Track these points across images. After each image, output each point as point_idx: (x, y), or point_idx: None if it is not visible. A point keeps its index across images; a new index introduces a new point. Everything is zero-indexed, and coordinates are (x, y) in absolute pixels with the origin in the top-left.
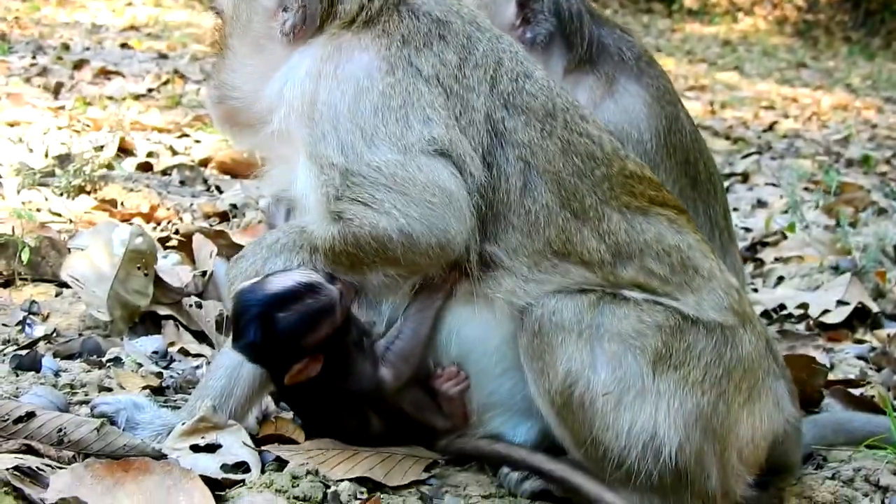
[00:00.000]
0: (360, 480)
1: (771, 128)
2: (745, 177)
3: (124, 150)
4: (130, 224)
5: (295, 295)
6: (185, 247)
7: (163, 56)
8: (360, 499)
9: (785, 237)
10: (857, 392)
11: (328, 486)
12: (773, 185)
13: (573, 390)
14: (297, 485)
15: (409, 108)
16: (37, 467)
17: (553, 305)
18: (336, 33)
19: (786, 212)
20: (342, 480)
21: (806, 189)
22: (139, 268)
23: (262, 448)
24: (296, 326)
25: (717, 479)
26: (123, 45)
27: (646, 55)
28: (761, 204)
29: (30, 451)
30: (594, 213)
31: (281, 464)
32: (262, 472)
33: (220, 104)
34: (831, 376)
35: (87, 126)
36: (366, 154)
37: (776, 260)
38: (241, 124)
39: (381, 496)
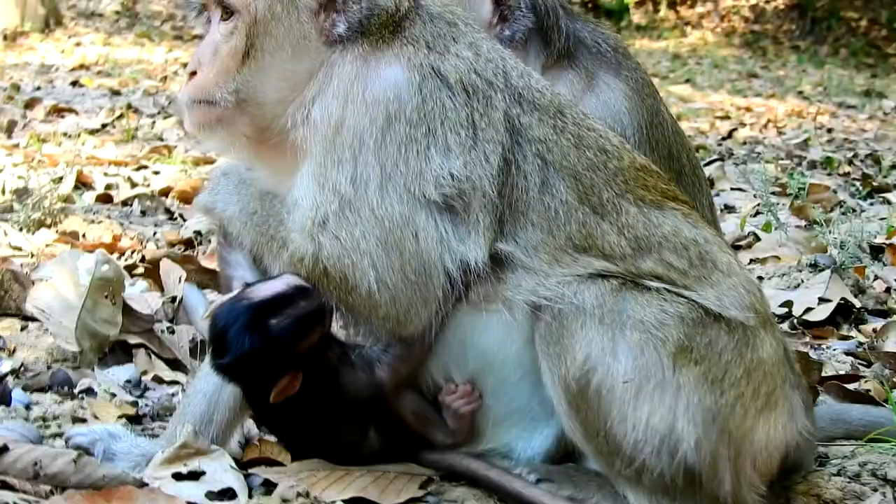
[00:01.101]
0: (353, 501)
1: (730, 135)
2: (710, 183)
3: (83, 184)
4: None
5: (287, 299)
6: (153, 273)
7: (115, 93)
8: None
9: (758, 239)
10: (851, 387)
11: None
12: (740, 189)
13: (591, 377)
14: None
15: (431, 139)
16: (14, 503)
17: (574, 288)
18: (364, 45)
19: (755, 215)
20: (335, 502)
21: (773, 193)
22: (106, 296)
23: (249, 472)
24: (290, 332)
25: (729, 486)
26: (74, 84)
27: (621, 48)
28: (729, 209)
29: (4, 486)
30: (612, 207)
31: (269, 487)
32: (250, 497)
33: (235, 109)
34: (822, 373)
35: (43, 162)
36: (374, 196)
37: (752, 261)
38: (236, 132)
39: None
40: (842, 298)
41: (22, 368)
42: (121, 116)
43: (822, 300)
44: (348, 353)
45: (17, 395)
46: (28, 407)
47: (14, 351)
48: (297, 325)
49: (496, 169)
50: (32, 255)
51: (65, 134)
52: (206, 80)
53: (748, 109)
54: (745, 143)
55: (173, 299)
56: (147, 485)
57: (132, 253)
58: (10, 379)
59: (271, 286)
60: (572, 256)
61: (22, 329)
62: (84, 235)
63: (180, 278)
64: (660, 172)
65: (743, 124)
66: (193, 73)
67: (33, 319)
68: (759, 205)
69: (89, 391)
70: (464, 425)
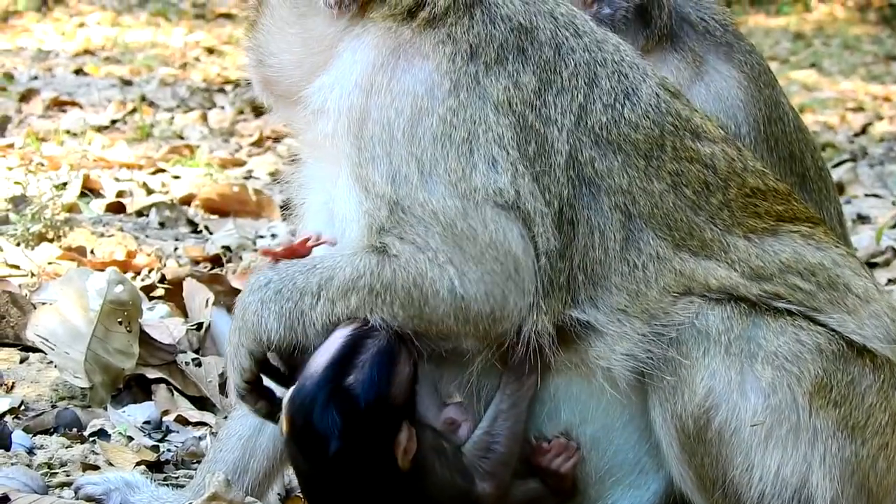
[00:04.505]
0: None
1: (864, 131)
2: (839, 188)
3: (90, 190)
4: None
5: (352, 348)
6: (174, 296)
7: (126, 82)
8: None
9: None
10: None
11: None
12: (875, 195)
13: (712, 416)
14: None
15: (473, 143)
16: None
17: (696, 310)
18: (394, 29)
19: (894, 226)
20: None
21: None
22: (121, 322)
23: None
24: (375, 380)
25: None
26: (78, 72)
27: (732, 25)
28: (862, 219)
29: None
30: (718, 246)
31: None
32: None
33: (258, 68)
34: None
35: (42, 165)
36: (420, 191)
37: (890, 282)
38: (276, 94)
39: None
40: None
41: (22, 407)
42: (133, 111)
43: None
44: (444, 444)
45: (18, 437)
46: (31, 451)
47: (13, 387)
48: (378, 370)
49: (553, 225)
50: (33, 275)
51: (67, 132)
52: (249, 38)
53: (886, 99)
54: (882, 139)
55: (199, 326)
56: None
57: (150, 272)
58: (8, 420)
59: (326, 347)
60: (671, 302)
61: (22, 361)
62: (92, 251)
63: (207, 301)
64: (776, 190)
65: (880, 117)
66: None
67: (35, 350)
68: None
69: (101, 433)
70: (566, 483)
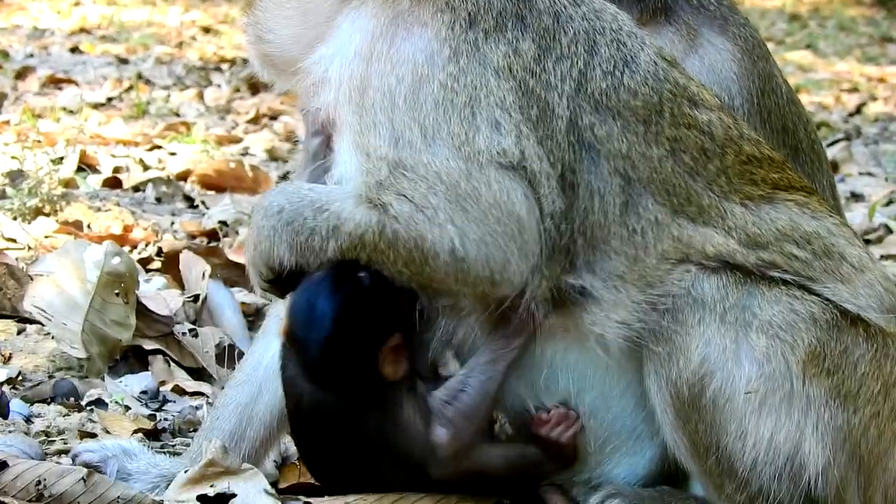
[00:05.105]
0: None
1: (858, 111)
2: (833, 166)
3: (87, 166)
4: None
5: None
6: (171, 268)
7: (122, 60)
8: None
9: (891, 231)
10: None
11: None
12: (869, 174)
13: (707, 383)
14: None
15: (475, 107)
16: None
17: (691, 278)
18: (391, 0)
19: (887, 204)
20: None
21: None
22: (117, 294)
23: (286, 497)
24: (383, 278)
25: None
26: (74, 50)
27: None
28: (856, 197)
29: None
30: (715, 212)
31: None
32: None
33: (256, 44)
34: None
35: (39, 142)
36: (424, 152)
37: (883, 258)
38: (277, 68)
39: None
40: None
41: (20, 378)
42: (129, 88)
43: None
44: (416, 381)
45: (16, 406)
46: (28, 420)
47: (10, 358)
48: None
49: (555, 188)
50: (30, 248)
51: (64, 108)
52: (248, 13)
53: (881, 80)
54: (876, 119)
55: (196, 298)
56: None
57: (146, 245)
58: (6, 389)
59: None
60: (668, 269)
61: (19, 332)
62: (89, 225)
63: (204, 273)
64: (771, 158)
65: (875, 98)
66: None
67: (32, 321)
68: (892, 192)
69: (99, 403)
70: (568, 452)
